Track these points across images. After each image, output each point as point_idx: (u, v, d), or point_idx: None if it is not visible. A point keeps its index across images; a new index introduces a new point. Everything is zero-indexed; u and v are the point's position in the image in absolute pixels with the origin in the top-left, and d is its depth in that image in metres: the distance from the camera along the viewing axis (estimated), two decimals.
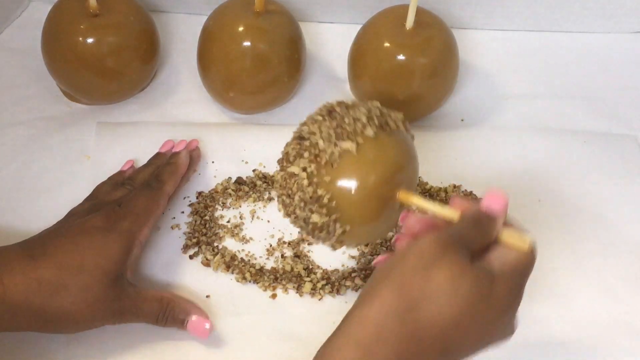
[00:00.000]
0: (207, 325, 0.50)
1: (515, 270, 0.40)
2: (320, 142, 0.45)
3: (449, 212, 0.43)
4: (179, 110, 0.67)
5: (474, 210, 0.42)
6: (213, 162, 0.62)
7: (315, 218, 0.45)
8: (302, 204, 0.45)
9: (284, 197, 0.47)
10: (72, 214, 0.53)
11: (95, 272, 0.47)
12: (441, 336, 0.38)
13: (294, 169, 0.45)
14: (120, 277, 0.49)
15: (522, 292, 0.41)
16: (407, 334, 0.38)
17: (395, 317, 0.38)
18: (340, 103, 0.48)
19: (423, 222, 0.44)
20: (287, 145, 0.47)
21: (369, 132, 0.45)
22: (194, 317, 0.50)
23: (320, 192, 0.45)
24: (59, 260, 0.47)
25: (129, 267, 0.50)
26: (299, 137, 0.47)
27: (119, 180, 0.57)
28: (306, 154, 0.45)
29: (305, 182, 0.45)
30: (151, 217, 0.53)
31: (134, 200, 0.52)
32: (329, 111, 0.47)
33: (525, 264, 0.41)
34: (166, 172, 0.56)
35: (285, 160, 0.47)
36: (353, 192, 0.45)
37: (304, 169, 0.45)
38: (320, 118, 0.46)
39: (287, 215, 0.47)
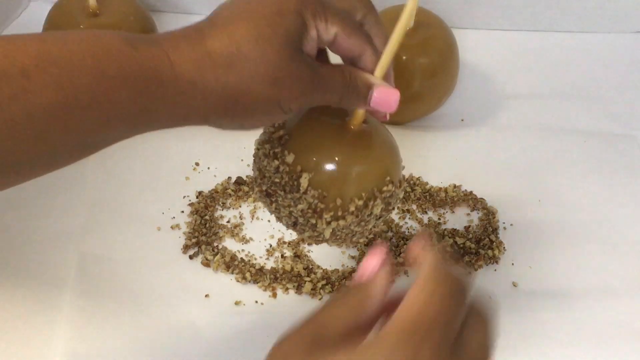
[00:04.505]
0: (396, 97, 0.43)
1: (398, 326, 0.31)
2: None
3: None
4: None
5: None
6: (212, 164, 0.62)
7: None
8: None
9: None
10: None
11: (274, 40, 0.39)
12: None
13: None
14: (300, 50, 0.40)
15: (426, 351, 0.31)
16: None
17: None
18: None
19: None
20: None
21: None
22: (379, 88, 0.43)
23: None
24: (230, 30, 0.39)
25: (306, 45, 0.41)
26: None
27: None
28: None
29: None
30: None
31: None
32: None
33: (417, 311, 0.31)
34: None
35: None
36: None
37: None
38: None
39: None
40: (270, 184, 0.48)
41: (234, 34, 0.38)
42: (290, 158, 0.47)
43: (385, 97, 0.42)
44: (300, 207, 0.47)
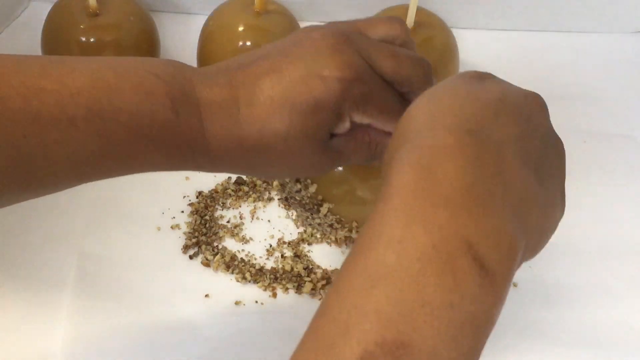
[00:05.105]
0: None
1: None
2: None
3: None
4: None
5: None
6: None
7: None
8: None
9: None
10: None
11: (302, 139, 0.40)
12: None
13: None
14: (326, 142, 0.41)
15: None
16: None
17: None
18: None
19: None
20: None
21: None
22: None
23: None
24: (264, 119, 0.39)
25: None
26: None
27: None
28: None
29: None
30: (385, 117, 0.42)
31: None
32: None
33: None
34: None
35: None
36: None
37: None
38: None
39: None
40: (289, 196, 0.51)
41: (266, 126, 0.39)
42: (313, 188, 0.52)
43: None
44: (317, 221, 0.55)
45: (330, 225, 0.57)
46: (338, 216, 0.55)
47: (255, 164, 0.41)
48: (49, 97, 0.36)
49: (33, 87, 0.35)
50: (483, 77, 0.36)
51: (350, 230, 0.56)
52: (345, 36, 0.40)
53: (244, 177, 0.61)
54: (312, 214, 0.57)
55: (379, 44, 0.41)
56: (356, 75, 0.39)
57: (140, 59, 0.40)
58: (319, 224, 0.56)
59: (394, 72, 0.41)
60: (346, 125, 0.41)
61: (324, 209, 0.55)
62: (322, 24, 0.43)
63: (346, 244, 0.57)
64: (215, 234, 0.58)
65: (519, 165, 0.32)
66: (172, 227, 0.58)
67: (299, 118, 0.39)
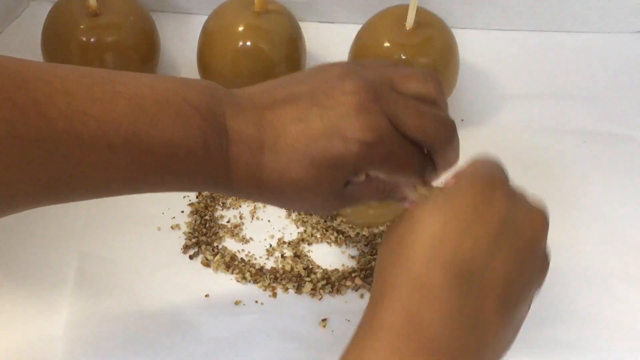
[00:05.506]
0: None
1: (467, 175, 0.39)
2: None
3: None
4: None
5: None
6: None
7: None
8: None
9: None
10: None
11: (318, 192, 0.42)
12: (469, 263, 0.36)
13: None
14: (340, 192, 0.43)
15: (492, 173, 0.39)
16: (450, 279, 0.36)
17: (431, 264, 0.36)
18: None
19: None
20: None
21: None
22: (411, 203, 0.44)
23: None
24: (284, 169, 0.41)
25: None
26: None
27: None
28: None
29: None
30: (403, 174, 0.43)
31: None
32: None
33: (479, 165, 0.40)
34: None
35: None
36: None
37: None
38: None
39: None
40: None
41: (285, 174, 0.41)
42: None
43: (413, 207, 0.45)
44: (328, 223, 0.58)
45: (342, 231, 0.58)
46: (351, 225, 0.59)
47: (270, 200, 0.44)
48: (92, 121, 0.37)
49: (78, 110, 0.37)
50: (495, 187, 0.38)
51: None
52: (375, 93, 0.41)
53: None
54: (325, 221, 0.59)
55: (406, 102, 0.42)
56: (379, 138, 0.40)
57: (180, 82, 0.41)
58: (332, 227, 0.58)
59: (417, 133, 0.41)
60: (362, 178, 0.42)
61: (337, 220, 0.59)
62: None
63: (346, 244, 0.57)
64: (215, 234, 0.58)
65: (496, 316, 0.36)
66: (172, 227, 0.58)
67: (316, 171, 0.41)
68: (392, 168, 0.42)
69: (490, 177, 0.39)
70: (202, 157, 0.40)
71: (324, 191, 0.42)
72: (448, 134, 0.43)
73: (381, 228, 0.58)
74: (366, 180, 0.42)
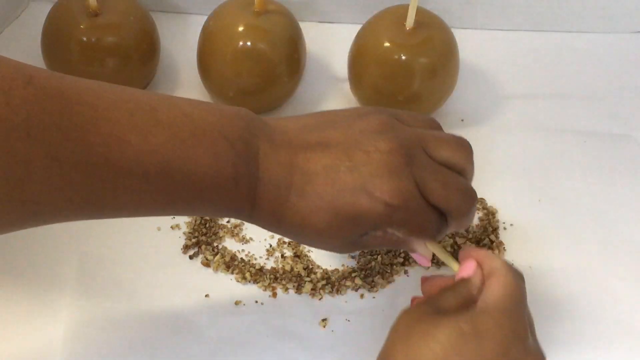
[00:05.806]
0: (427, 263, 0.46)
1: (498, 300, 0.39)
2: None
3: (454, 266, 0.44)
4: None
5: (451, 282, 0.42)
6: None
7: None
8: None
9: None
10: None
11: (336, 240, 0.43)
12: None
13: None
14: (357, 242, 0.44)
15: (522, 319, 0.40)
16: None
17: None
18: None
19: (439, 284, 0.43)
20: None
21: None
22: (417, 253, 0.46)
23: None
24: (306, 216, 0.42)
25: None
26: None
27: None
28: None
29: None
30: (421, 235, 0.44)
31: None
32: None
33: (509, 290, 0.40)
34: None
35: None
36: None
37: None
38: None
39: None
40: None
41: (307, 220, 0.42)
42: None
43: (418, 259, 0.46)
44: None
45: None
46: None
47: (288, 235, 0.45)
48: (130, 150, 0.38)
49: (119, 139, 0.37)
50: (519, 340, 0.39)
51: None
52: (408, 156, 0.42)
53: None
54: None
55: (436, 168, 0.43)
56: (404, 203, 0.41)
57: (218, 112, 0.42)
58: None
59: (441, 202, 0.43)
60: (379, 233, 0.43)
61: None
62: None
63: None
64: (215, 234, 0.58)
65: None
66: (172, 227, 0.58)
67: (339, 222, 0.42)
68: (411, 230, 0.43)
69: (517, 323, 0.39)
70: (230, 191, 0.41)
71: (341, 238, 0.43)
72: (469, 205, 0.44)
73: None
74: (382, 233, 0.43)
